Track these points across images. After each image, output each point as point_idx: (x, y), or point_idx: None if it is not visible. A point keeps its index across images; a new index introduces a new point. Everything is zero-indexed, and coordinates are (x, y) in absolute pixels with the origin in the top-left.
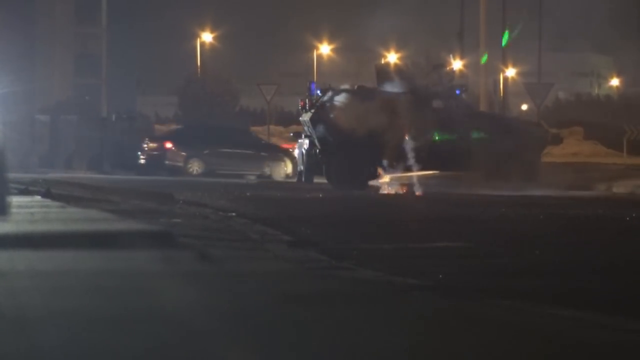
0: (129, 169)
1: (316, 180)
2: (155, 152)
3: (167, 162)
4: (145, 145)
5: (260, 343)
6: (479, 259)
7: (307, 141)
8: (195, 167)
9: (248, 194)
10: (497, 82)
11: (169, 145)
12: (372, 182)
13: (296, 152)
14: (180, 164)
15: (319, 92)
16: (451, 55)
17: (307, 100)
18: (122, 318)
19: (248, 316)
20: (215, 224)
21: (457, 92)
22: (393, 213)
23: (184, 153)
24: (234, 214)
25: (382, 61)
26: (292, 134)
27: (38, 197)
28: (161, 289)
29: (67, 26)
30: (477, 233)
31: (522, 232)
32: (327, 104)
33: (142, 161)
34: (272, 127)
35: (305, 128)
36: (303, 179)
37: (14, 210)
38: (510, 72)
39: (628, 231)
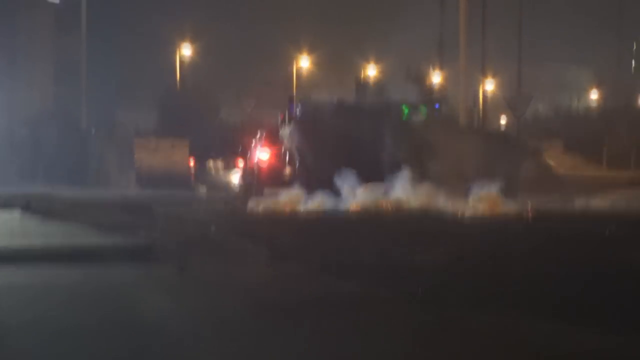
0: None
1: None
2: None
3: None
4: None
5: (240, 352)
6: (460, 271)
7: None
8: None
9: (228, 206)
10: (476, 95)
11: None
12: (350, 194)
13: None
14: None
15: (298, 105)
16: (431, 67)
17: (286, 113)
18: (102, 328)
19: (228, 325)
20: (196, 236)
21: (436, 105)
22: (373, 226)
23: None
24: (213, 226)
25: (362, 74)
26: (240, 149)
27: (17, 211)
28: (141, 301)
29: (47, 37)
30: (457, 246)
31: (502, 245)
32: (306, 118)
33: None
34: None
35: (285, 141)
36: (254, 192)
37: None
38: (490, 85)
39: (605, 245)
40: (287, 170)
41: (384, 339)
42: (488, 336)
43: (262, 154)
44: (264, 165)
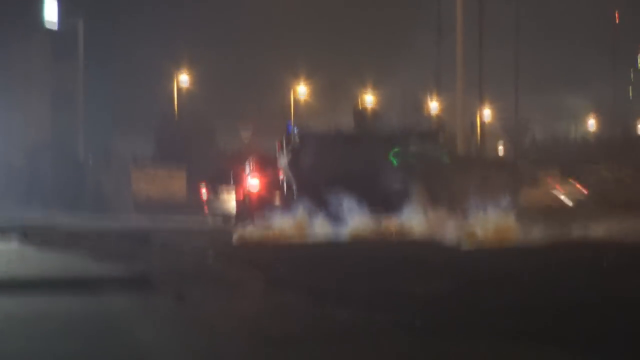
0: None
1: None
2: None
3: None
4: None
5: None
6: (456, 298)
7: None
8: None
9: (225, 234)
10: (474, 123)
11: None
12: (352, 221)
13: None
14: None
15: (296, 133)
16: (428, 95)
17: (284, 141)
18: (97, 358)
19: (226, 357)
20: (193, 265)
21: (438, 148)
22: (373, 254)
23: None
24: (211, 255)
25: (360, 104)
26: (232, 178)
27: (15, 240)
28: (137, 331)
29: (44, 66)
30: (453, 274)
31: (497, 273)
32: (305, 147)
33: None
34: None
35: (282, 170)
36: (246, 219)
37: None
38: (487, 113)
39: (601, 273)
40: (278, 197)
41: None
42: None
43: (252, 182)
44: (255, 193)
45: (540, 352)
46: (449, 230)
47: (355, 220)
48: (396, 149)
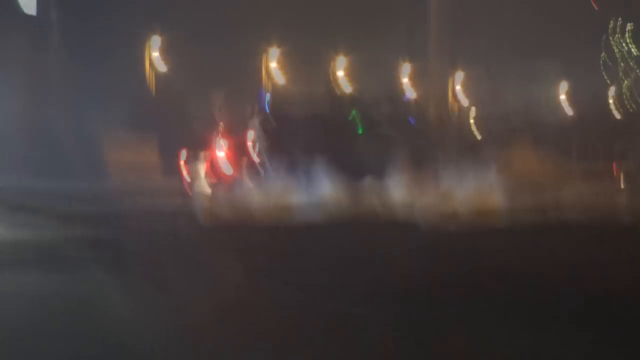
0: None
1: None
2: None
3: None
4: None
5: None
6: (436, 286)
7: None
8: None
9: (201, 217)
10: (445, 92)
11: None
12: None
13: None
14: None
15: (267, 105)
16: (405, 81)
17: (256, 113)
18: (67, 337)
19: (206, 347)
20: (168, 250)
21: (411, 120)
22: (350, 237)
23: None
24: (187, 240)
25: (333, 78)
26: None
27: None
28: (109, 312)
29: (20, 51)
30: (435, 260)
31: (480, 257)
32: (275, 121)
33: None
34: None
35: (255, 135)
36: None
37: None
38: (459, 82)
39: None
40: (249, 173)
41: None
42: (465, 355)
43: (221, 157)
44: (224, 170)
45: (527, 339)
46: (428, 210)
47: (330, 197)
48: (354, 112)
